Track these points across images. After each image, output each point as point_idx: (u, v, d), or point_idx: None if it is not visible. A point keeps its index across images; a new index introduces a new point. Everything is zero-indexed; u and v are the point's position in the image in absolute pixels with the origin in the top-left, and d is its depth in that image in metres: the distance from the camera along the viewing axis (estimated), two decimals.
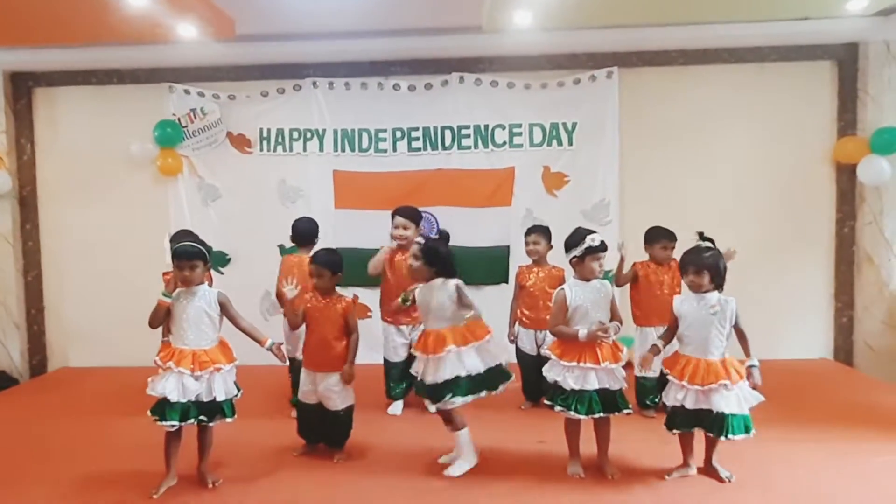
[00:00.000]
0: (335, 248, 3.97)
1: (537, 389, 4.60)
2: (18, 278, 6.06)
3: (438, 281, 3.53)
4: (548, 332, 4.42)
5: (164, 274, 4.54)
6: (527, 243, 4.58)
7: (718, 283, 3.32)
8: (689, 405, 3.25)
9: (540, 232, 4.56)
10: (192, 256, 3.27)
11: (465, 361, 3.39)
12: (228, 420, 3.32)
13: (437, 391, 3.40)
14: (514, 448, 3.86)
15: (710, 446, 3.41)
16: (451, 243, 4.33)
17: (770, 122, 5.77)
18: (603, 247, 3.40)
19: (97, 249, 6.06)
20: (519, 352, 4.65)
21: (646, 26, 5.44)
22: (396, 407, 4.58)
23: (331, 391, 3.62)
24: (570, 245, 3.47)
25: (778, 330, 5.76)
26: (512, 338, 4.63)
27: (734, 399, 3.20)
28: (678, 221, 5.74)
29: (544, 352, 4.45)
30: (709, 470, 3.42)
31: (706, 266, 3.28)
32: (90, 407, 4.87)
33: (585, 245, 3.37)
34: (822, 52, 5.67)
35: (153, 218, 5.88)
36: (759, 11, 5.16)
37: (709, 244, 3.38)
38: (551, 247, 4.56)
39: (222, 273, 5.94)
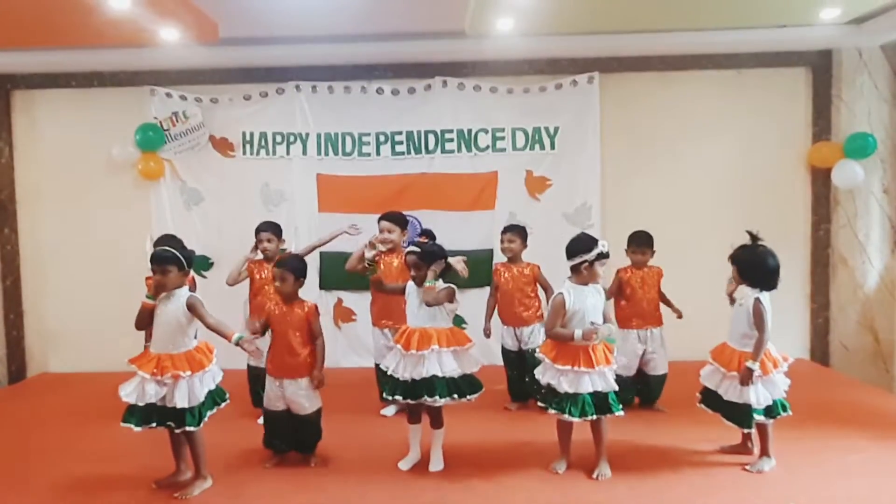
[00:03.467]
0: (301, 255, 3.98)
1: (522, 389, 4.66)
2: None
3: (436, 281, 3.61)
4: (525, 328, 4.54)
5: (147, 279, 4.54)
6: (502, 241, 4.66)
7: (748, 278, 3.52)
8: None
9: (515, 231, 4.64)
10: (164, 261, 3.30)
11: (444, 363, 3.49)
12: (189, 429, 3.25)
13: (413, 389, 3.49)
14: (501, 448, 3.89)
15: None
16: None
17: (747, 127, 5.88)
18: (608, 253, 3.51)
19: (78, 254, 6.00)
20: (503, 349, 4.71)
21: (626, 33, 5.51)
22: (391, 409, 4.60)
23: (298, 396, 3.59)
24: (578, 250, 3.47)
25: None
26: (488, 333, 4.68)
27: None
28: (658, 224, 5.84)
29: (525, 347, 4.53)
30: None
31: (733, 260, 3.58)
32: (71, 413, 4.80)
33: (598, 250, 3.44)
34: (797, 58, 5.80)
35: (135, 222, 5.84)
36: (737, 19, 5.25)
37: (755, 241, 3.56)
38: (525, 246, 4.66)
39: (205, 277, 5.90)
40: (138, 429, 3.24)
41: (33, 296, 6.09)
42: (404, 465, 3.65)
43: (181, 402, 3.23)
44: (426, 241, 3.94)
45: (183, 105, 5.88)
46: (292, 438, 3.73)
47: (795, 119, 5.88)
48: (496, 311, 4.74)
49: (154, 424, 3.26)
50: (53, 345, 6.10)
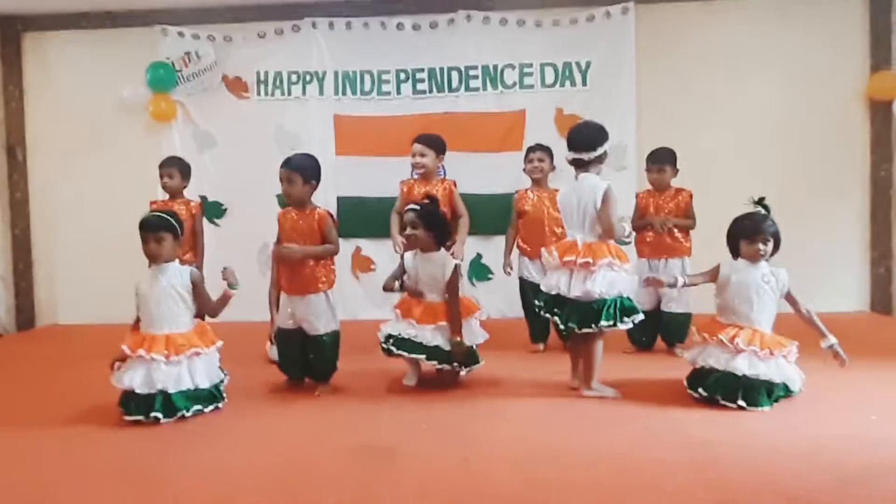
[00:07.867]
0: (313, 155, 3.56)
1: (546, 330, 4.26)
2: (5, 231, 5.80)
3: (440, 254, 3.41)
4: None
5: (152, 203, 4.34)
6: (530, 160, 4.28)
7: (776, 249, 3.11)
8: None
9: (544, 150, 4.29)
10: (158, 228, 2.97)
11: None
12: (220, 406, 3.03)
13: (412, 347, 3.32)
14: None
15: None
16: (459, 190, 4.20)
17: (798, 60, 5.40)
18: None
19: (88, 201, 5.78)
20: (523, 282, 4.27)
21: None
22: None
23: (309, 314, 3.28)
24: (603, 138, 3.19)
25: (810, 283, 5.25)
26: (508, 270, 4.31)
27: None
28: (699, 167, 5.39)
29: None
30: None
31: (773, 235, 3.05)
32: (81, 360, 4.44)
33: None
34: None
35: (146, 167, 5.46)
36: None
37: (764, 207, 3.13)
38: (554, 167, 4.30)
39: (218, 225, 5.68)
40: (141, 419, 2.84)
41: (43, 245, 5.89)
42: (409, 380, 3.45)
43: (203, 381, 2.94)
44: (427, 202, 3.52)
45: (196, 44, 5.63)
46: (305, 363, 3.40)
47: (852, 48, 5.37)
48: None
49: (157, 413, 2.84)
50: (63, 295, 5.88)
